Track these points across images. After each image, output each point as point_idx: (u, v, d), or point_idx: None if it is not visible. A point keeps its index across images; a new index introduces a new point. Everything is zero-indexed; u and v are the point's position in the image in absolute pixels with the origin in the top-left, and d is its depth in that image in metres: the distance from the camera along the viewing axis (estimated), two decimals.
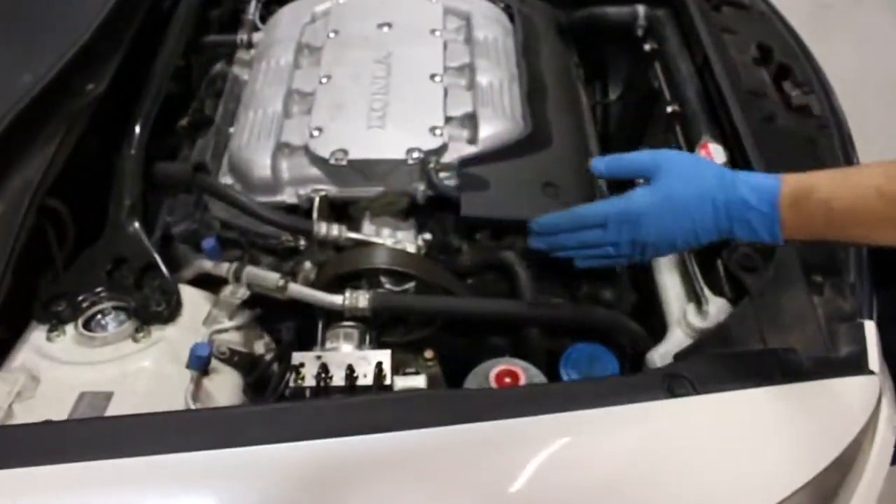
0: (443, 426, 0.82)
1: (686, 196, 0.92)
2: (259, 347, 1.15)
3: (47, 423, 0.86)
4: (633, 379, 0.95)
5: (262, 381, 1.08)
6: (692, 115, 1.39)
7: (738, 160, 1.30)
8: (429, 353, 1.16)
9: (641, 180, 0.99)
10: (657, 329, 1.17)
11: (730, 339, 1.01)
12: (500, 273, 1.21)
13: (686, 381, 0.93)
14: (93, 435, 0.81)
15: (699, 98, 1.42)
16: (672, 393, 0.91)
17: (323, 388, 1.00)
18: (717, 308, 1.11)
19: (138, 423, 0.83)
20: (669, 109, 1.44)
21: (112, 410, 0.93)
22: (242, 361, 1.07)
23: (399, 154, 1.21)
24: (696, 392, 0.91)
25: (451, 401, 0.88)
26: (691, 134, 1.37)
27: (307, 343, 1.17)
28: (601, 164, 1.02)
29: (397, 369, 1.13)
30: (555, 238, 1.04)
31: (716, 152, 1.31)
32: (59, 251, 1.24)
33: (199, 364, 0.97)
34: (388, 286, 1.17)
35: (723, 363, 0.96)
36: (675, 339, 1.12)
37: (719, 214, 0.91)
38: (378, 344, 1.14)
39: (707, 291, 1.13)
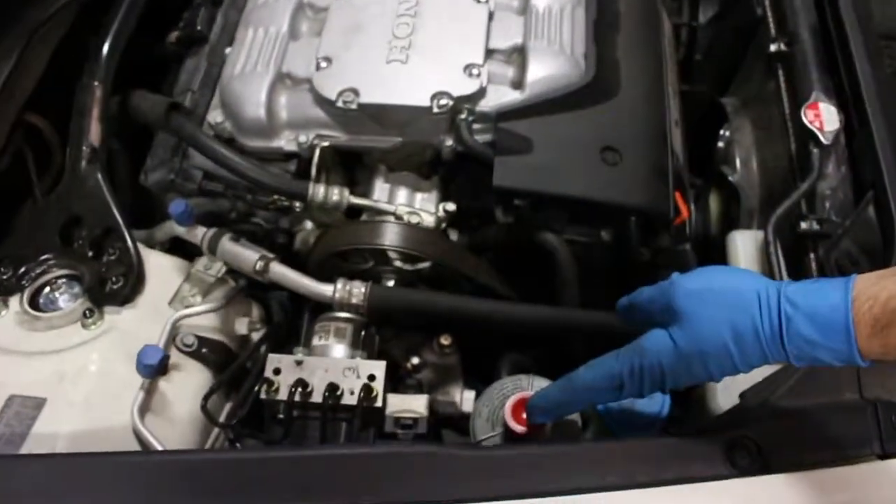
0: None
1: (720, 338, 0.66)
2: (241, 327, 0.96)
3: None
4: (683, 443, 0.74)
5: (239, 377, 0.91)
6: (802, 60, 1.14)
7: (853, 126, 1.04)
8: (446, 340, 0.97)
9: None
10: None
11: (818, 382, 0.80)
12: (539, 255, 0.99)
13: (752, 446, 0.75)
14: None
15: (814, 37, 1.14)
16: (733, 465, 0.74)
17: (298, 403, 0.83)
18: None
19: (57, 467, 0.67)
20: (773, 48, 1.18)
21: (41, 422, 0.77)
22: (213, 354, 0.89)
23: (422, 99, 0.97)
24: (765, 466, 0.74)
25: (446, 464, 0.69)
26: (798, 85, 1.11)
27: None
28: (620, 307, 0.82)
29: (407, 357, 0.96)
30: (561, 409, 0.81)
31: (827, 115, 1.05)
32: (38, 180, 1.08)
33: (149, 373, 0.80)
34: (397, 264, 0.97)
35: (804, 421, 0.78)
36: None
37: (771, 349, 0.66)
38: (378, 338, 0.95)
39: None
